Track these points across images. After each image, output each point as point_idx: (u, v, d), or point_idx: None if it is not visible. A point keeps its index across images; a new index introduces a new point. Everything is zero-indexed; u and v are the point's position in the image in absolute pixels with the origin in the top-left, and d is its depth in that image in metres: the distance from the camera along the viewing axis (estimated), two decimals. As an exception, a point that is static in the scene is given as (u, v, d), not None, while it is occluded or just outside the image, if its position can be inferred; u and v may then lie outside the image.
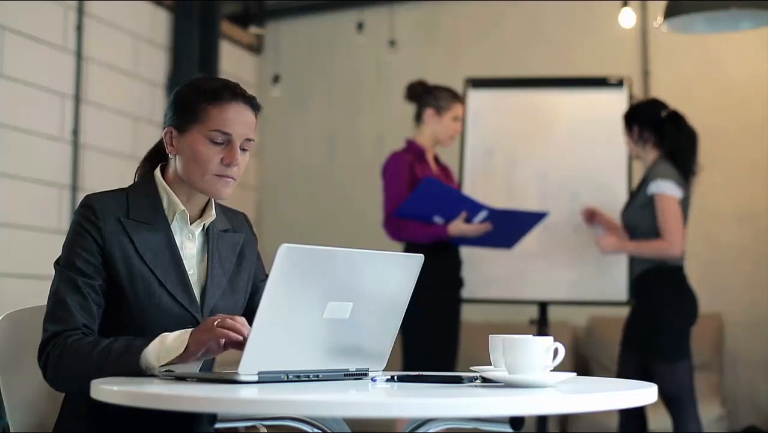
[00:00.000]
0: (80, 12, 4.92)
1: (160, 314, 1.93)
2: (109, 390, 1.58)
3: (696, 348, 5.32)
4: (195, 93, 2.01)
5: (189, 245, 2.03)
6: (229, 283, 2.05)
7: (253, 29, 6.43)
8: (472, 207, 4.07)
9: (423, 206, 4.06)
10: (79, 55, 4.90)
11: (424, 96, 4.27)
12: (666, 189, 3.83)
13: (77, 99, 4.88)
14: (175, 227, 2.02)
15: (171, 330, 1.86)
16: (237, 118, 1.98)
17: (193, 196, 2.03)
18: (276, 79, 6.25)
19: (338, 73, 6.48)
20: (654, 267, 3.89)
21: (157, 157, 2.12)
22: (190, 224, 2.03)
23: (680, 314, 3.88)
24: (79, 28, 4.91)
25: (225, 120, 1.97)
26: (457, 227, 4.06)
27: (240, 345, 1.75)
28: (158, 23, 5.58)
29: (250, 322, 2.08)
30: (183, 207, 2.01)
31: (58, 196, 4.74)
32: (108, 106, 5.12)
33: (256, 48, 6.63)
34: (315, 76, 6.52)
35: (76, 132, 4.86)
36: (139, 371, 1.81)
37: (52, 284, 1.93)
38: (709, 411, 4.79)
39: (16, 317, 2.09)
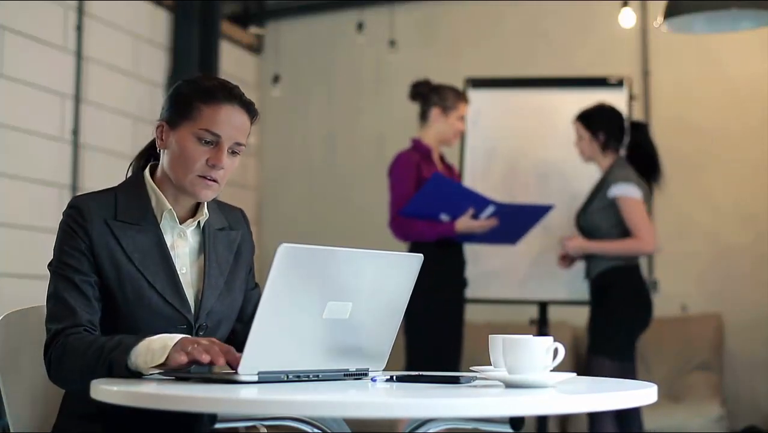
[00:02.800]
0: (80, 12, 4.91)
1: (151, 315, 1.90)
2: (109, 390, 1.58)
3: (696, 348, 5.36)
4: (191, 90, 1.97)
5: (181, 244, 1.99)
6: (226, 284, 2.02)
7: (253, 29, 6.43)
8: (480, 203, 4.06)
9: (430, 204, 4.05)
10: (79, 55, 4.90)
11: (430, 95, 4.26)
12: (627, 191, 3.95)
13: (77, 99, 4.88)
14: (165, 226, 1.98)
15: (162, 331, 1.82)
16: (229, 120, 1.94)
17: (179, 196, 1.99)
18: (276, 79, 6.25)
19: (338, 73, 6.48)
20: (612, 268, 4.00)
21: (148, 155, 2.10)
22: (181, 223, 2.00)
23: (633, 316, 3.98)
24: (79, 28, 4.90)
25: (216, 120, 1.93)
26: (465, 223, 4.06)
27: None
28: (158, 23, 5.58)
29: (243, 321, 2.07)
30: (170, 206, 1.97)
31: (58, 196, 4.73)
32: (108, 106, 5.12)
33: (256, 48, 6.63)
34: (315, 76, 6.52)
35: (76, 132, 4.86)
36: (129, 369, 1.76)
37: (48, 286, 1.92)
38: (709, 411, 4.79)
39: (16, 316, 2.08)
